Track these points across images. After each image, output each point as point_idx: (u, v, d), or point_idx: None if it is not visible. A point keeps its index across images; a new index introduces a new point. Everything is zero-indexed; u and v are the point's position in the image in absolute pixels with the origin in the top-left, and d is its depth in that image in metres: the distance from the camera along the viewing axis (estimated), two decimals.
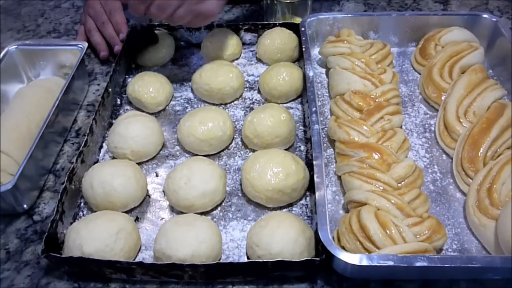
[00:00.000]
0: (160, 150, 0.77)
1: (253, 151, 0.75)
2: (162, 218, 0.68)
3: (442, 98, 0.78)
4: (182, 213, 0.66)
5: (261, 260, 0.56)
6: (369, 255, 0.53)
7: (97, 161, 0.76)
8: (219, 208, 0.69)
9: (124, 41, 0.90)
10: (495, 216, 0.60)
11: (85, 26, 0.94)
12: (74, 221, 0.67)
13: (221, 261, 0.62)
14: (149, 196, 0.71)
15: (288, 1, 0.94)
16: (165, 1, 0.70)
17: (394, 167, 0.65)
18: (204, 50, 0.92)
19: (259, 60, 0.93)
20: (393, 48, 0.91)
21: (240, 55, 0.94)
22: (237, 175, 0.73)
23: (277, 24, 0.93)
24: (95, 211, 0.66)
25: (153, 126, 0.75)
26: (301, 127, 0.80)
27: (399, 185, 0.64)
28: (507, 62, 0.81)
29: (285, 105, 0.84)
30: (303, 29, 0.86)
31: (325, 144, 0.76)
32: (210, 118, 0.74)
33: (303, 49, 0.82)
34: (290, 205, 0.68)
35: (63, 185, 0.65)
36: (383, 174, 0.64)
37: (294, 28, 0.90)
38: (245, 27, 0.94)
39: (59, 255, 0.58)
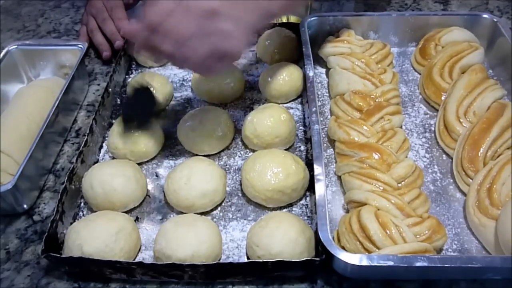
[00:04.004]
0: (160, 150, 0.77)
1: (253, 151, 0.75)
2: (162, 218, 0.68)
3: (442, 98, 0.78)
4: (182, 213, 0.66)
5: (261, 260, 0.56)
6: (369, 255, 0.53)
7: (97, 161, 0.76)
8: (219, 208, 0.69)
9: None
10: (495, 216, 0.60)
11: (88, 26, 0.94)
12: (74, 221, 0.67)
13: (221, 261, 0.62)
14: (149, 196, 0.71)
15: None
16: (180, 34, 0.59)
17: (394, 167, 0.65)
18: None
19: (259, 60, 0.93)
20: (393, 48, 0.91)
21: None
22: (237, 175, 0.73)
23: (277, 24, 0.93)
24: (95, 211, 0.66)
25: (153, 126, 0.75)
26: (301, 127, 0.80)
27: (399, 185, 0.64)
28: (507, 62, 0.81)
29: (285, 105, 0.84)
30: (303, 29, 0.86)
31: (325, 144, 0.76)
32: (210, 118, 0.74)
33: (303, 49, 0.82)
34: (290, 205, 0.68)
35: (63, 185, 0.65)
36: (383, 174, 0.64)
37: (294, 28, 0.90)
38: None
39: (59, 255, 0.58)
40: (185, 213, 0.66)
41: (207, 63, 0.63)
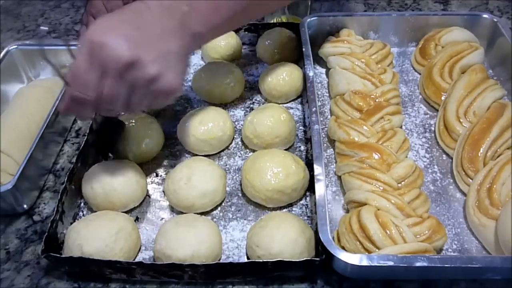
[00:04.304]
0: (160, 150, 0.77)
1: (253, 151, 0.75)
2: (162, 218, 0.68)
3: (442, 98, 0.78)
4: (182, 213, 0.66)
5: (261, 260, 0.56)
6: (369, 255, 0.53)
7: (97, 161, 0.76)
8: (219, 208, 0.69)
9: None
10: (495, 216, 0.60)
11: (88, 26, 0.94)
12: (74, 221, 0.67)
13: (221, 261, 0.62)
14: (149, 196, 0.71)
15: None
16: (112, 93, 0.55)
17: (394, 167, 0.65)
18: (204, 50, 0.92)
19: (259, 60, 0.93)
20: (393, 48, 0.91)
21: (240, 55, 0.94)
22: (237, 175, 0.73)
23: (277, 24, 0.93)
24: (95, 211, 0.66)
25: (153, 126, 0.75)
26: (301, 127, 0.80)
27: (399, 185, 0.64)
28: (507, 62, 0.81)
29: (285, 105, 0.84)
30: (303, 29, 0.86)
31: (325, 144, 0.76)
32: (210, 118, 0.74)
33: (303, 49, 0.82)
34: (290, 205, 0.68)
35: (63, 185, 0.65)
36: (383, 174, 0.64)
37: (294, 28, 0.90)
38: (245, 27, 0.94)
39: (59, 255, 0.58)
40: (185, 213, 0.66)
41: (154, 104, 0.60)
